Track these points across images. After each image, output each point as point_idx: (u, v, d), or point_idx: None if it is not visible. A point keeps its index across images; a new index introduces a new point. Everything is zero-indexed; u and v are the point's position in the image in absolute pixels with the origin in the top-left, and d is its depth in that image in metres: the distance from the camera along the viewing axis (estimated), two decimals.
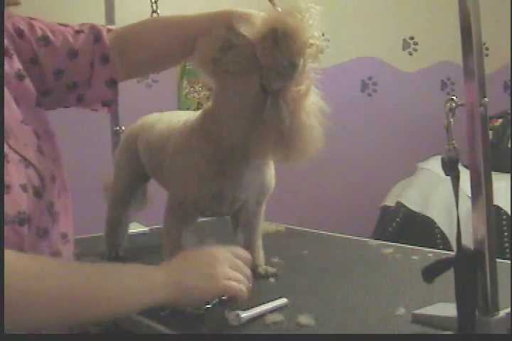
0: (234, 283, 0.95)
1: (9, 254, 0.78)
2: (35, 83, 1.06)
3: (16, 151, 0.94)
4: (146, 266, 0.91)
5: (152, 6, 1.60)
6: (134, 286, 0.86)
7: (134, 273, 0.89)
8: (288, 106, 1.04)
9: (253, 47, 1.00)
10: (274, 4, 1.07)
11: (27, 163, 0.95)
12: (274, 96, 1.05)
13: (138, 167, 1.40)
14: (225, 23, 1.04)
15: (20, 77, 1.02)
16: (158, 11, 1.60)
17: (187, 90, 2.87)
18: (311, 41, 0.99)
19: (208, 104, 1.16)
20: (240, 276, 0.97)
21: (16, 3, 0.95)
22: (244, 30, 1.00)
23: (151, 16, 1.63)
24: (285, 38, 0.97)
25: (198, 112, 1.19)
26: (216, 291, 0.94)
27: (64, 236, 1.03)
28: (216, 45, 1.02)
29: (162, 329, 1.01)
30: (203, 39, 1.05)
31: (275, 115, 1.04)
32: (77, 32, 1.13)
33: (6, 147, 0.91)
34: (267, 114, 1.05)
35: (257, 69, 1.02)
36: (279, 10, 1.06)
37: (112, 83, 1.15)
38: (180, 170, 1.17)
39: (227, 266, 0.96)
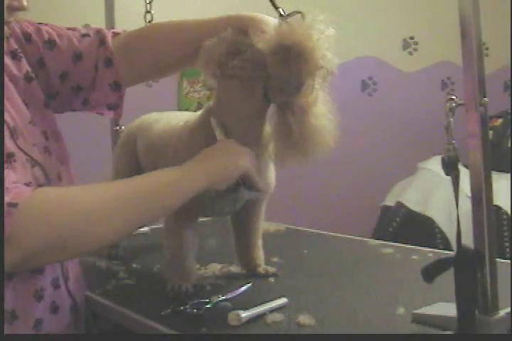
0: (250, 165, 1.05)
1: (45, 190, 0.87)
2: (42, 86, 1.09)
3: (23, 151, 0.97)
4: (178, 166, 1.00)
5: (146, 6, 1.61)
6: (177, 182, 0.97)
7: (174, 172, 0.99)
8: (294, 114, 1.05)
9: (262, 56, 1.00)
10: (276, 6, 1.07)
11: (33, 162, 0.98)
12: (280, 106, 1.06)
13: (137, 167, 1.40)
14: (235, 27, 1.04)
15: (28, 79, 1.05)
16: (152, 12, 1.60)
17: (187, 90, 2.86)
18: (322, 63, 0.99)
19: (209, 104, 1.16)
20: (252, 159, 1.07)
21: (22, 9, 0.96)
22: (256, 38, 1.00)
23: (145, 16, 1.63)
24: (297, 59, 0.97)
25: (198, 113, 1.19)
26: (240, 169, 1.04)
27: None
28: (223, 49, 1.02)
29: (162, 329, 1.01)
30: (209, 42, 1.05)
31: (283, 124, 1.06)
32: (83, 35, 1.14)
33: (14, 147, 0.94)
34: (276, 123, 1.07)
35: (263, 78, 1.03)
36: (281, 11, 1.06)
37: (116, 86, 1.16)
38: None
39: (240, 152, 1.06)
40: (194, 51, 1.07)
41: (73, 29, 1.15)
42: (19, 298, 0.97)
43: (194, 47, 1.07)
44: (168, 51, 1.15)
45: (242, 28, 1.04)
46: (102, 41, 1.14)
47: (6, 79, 1.01)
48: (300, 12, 1.04)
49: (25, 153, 0.97)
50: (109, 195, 0.90)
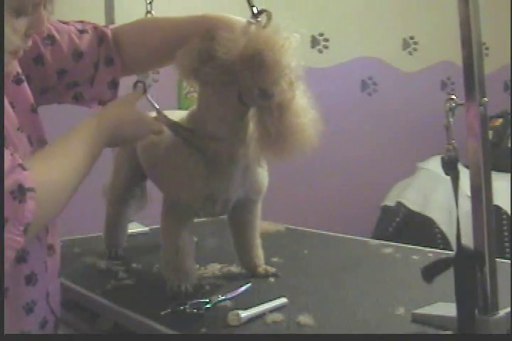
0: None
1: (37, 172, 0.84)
2: (35, 81, 1.06)
3: None
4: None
5: (147, 7, 1.61)
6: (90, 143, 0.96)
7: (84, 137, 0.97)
8: (272, 114, 1.04)
9: (232, 62, 1.01)
10: (251, 5, 1.07)
11: None
12: (259, 106, 1.06)
13: (136, 166, 1.40)
14: (203, 33, 1.05)
15: (17, 81, 1.02)
16: (153, 12, 1.61)
17: (187, 90, 2.86)
18: (287, 71, 1.00)
19: (194, 107, 1.17)
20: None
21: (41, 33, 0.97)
22: (223, 44, 1.00)
23: (145, 16, 1.63)
24: (260, 69, 0.98)
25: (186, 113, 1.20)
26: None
27: (50, 247, 1.02)
28: (194, 56, 1.03)
29: (162, 329, 1.01)
30: (181, 50, 1.06)
31: (261, 124, 1.06)
32: (81, 32, 1.13)
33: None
34: (255, 123, 1.08)
35: (236, 82, 1.03)
36: (255, 9, 1.06)
37: (114, 84, 1.16)
38: (171, 171, 1.17)
39: None
40: (168, 50, 1.09)
41: (66, 23, 1.13)
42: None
43: (166, 47, 1.10)
44: (150, 45, 1.16)
45: (212, 33, 1.04)
46: (101, 39, 1.14)
47: None
48: (266, 10, 1.04)
49: None
50: (71, 169, 0.92)
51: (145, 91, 1.12)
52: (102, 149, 1.00)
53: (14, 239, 0.78)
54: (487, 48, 3.42)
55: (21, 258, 0.93)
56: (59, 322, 1.07)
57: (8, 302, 0.92)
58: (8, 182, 0.78)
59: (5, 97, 0.96)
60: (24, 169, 0.81)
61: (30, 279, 0.95)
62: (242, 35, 1.01)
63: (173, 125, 1.15)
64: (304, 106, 1.06)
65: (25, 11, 0.85)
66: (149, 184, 1.47)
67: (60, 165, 0.90)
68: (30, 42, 0.92)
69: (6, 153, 0.81)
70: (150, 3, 1.62)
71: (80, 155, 0.94)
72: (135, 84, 1.14)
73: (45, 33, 1.07)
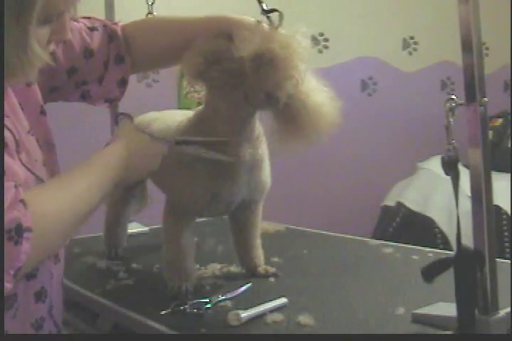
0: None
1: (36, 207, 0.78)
2: (45, 81, 1.04)
3: (28, 169, 0.89)
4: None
5: (148, 8, 1.61)
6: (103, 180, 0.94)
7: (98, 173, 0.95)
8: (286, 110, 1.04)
9: (240, 64, 1.01)
10: (260, 1, 1.07)
11: (39, 182, 0.91)
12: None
13: None
14: (209, 34, 1.05)
15: (28, 82, 0.99)
16: (155, 13, 1.61)
17: (187, 90, 2.86)
18: (293, 73, 1.00)
19: (199, 108, 1.18)
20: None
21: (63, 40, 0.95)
22: (238, 45, 1.00)
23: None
24: (268, 66, 0.98)
25: (192, 112, 1.20)
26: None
27: (55, 255, 1.00)
28: (200, 59, 1.03)
29: (162, 329, 1.01)
30: (188, 52, 1.06)
31: (275, 118, 1.06)
32: (91, 29, 1.12)
33: (18, 163, 0.86)
34: (271, 118, 1.07)
35: (242, 85, 1.03)
36: (264, 7, 1.06)
37: (123, 82, 1.15)
38: (175, 172, 1.17)
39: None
40: (179, 49, 1.08)
41: (76, 20, 1.11)
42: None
43: (179, 45, 1.08)
44: (157, 46, 1.15)
45: (226, 31, 1.04)
46: (111, 37, 1.13)
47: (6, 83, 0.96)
48: (277, 10, 1.04)
49: (31, 171, 0.89)
50: (75, 204, 0.87)
51: (132, 120, 1.10)
52: (112, 185, 0.95)
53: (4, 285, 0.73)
54: (487, 48, 3.42)
55: (31, 275, 0.90)
56: (61, 332, 1.04)
57: (16, 322, 0.88)
58: (7, 219, 0.73)
59: (15, 99, 0.95)
60: (25, 206, 0.76)
61: (40, 295, 0.93)
62: (260, 35, 1.01)
63: (177, 146, 1.12)
64: (314, 86, 1.06)
65: (50, 20, 0.83)
66: (149, 184, 1.48)
67: (64, 202, 0.85)
68: (52, 48, 0.90)
69: (10, 184, 0.76)
70: (152, 4, 1.62)
71: (85, 192, 0.89)
72: (117, 117, 1.12)
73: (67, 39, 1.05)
